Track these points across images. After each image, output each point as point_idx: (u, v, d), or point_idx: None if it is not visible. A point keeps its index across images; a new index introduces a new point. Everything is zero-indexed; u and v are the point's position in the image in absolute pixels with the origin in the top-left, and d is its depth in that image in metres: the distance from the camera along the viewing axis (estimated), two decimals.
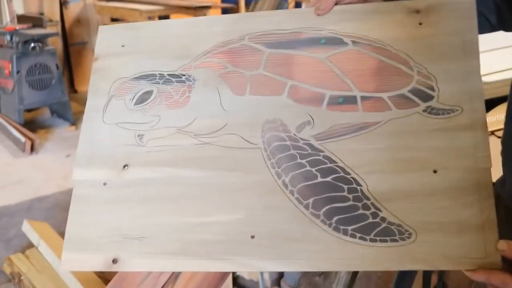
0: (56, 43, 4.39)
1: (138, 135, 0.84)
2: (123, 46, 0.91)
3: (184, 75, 0.86)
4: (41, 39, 3.90)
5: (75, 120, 4.05)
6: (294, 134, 0.79)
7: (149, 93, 0.86)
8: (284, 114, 0.81)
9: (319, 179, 0.76)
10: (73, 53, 4.81)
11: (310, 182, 0.76)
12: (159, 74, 0.87)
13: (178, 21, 0.94)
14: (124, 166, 0.83)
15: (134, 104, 0.85)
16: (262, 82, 0.83)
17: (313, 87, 0.82)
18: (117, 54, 0.91)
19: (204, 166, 0.80)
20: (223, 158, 0.80)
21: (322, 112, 0.80)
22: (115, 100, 0.87)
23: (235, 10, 4.94)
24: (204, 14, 3.70)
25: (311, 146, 0.78)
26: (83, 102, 4.93)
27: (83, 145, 0.85)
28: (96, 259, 0.79)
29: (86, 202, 0.82)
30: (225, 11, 4.83)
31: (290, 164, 0.77)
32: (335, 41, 0.84)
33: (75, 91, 4.84)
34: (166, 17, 4.30)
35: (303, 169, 0.77)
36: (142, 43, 0.91)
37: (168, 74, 0.87)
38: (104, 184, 0.82)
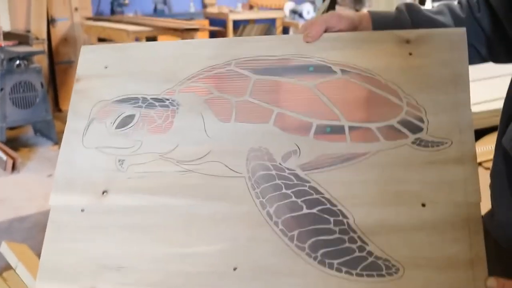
0: (42, 61, 4.34)
1: (119, 160, 0.81)
2: (106, 67, 0.89)
3: (168, 100, 0.84)
4: (27, 57, 3.84)
5: (58, 139, 3.97)
6: (280, 164, 0.77)
7: (131, 117, 0.83)
8: (270, 142, 0.79)
9: (305, 211, 0.74)
10: (58, 72, 4.76)
11: (295, 214, 0.74)
12: (142, 97, 0.85)
13: (163, 44, 0.92)
14: (103, 192, 0.80)
15: (115, 128, 0.83)
16: (248, 109, 0.81)
17: (300, 115, 0.80)
18: (99, 76, 0.89)
19: (186, 194, 0.78)
20: (206, 186, 0.78)
21: (309, 141, 0.78)
22: (95, 123, 0.84)
23: (223, 33, 4.95)
24: (192, 37, 3.69)
25: (297, 176, 0.76)
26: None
27: (61, 169, 0.82)
28: None
29: (63, 229, 0.79)
30: (213, 34, 4.84)
31: (275, 195, 0.75)
32: (323, 69, 0.82)
33: (60, 110, 4.78)
34: (154, 38, 4.29)
35: (288, 200, 0.74)
36: (125, 65, 0.89)
37: (151, 98, 0.84)
38: (82, 210, 0.79)
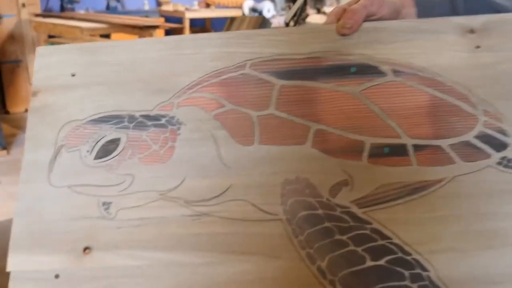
0: None
1: (103, 204, 0.59)
2: (73, 75, 0.67)
3: (164, 117, 0.63)
4: None
5: (6, 144, 3.70)
6: (328, 199, 0.57)
7: (115, 142, 0.61)
8: (311, 170, 0.59)
9: (369, 263, 0.54)
10: (5, 72, 4.45)
11: (357, 268, 0.54)
12: (128, 115, 0.63)
13: (150, 41, 0.70)
14: (85, 249, 0.58)
15: (95, 158, 0.61)
16: (276, 126, 0.61)
17: (347, 132, 0.60)
18: (65, 87, 0.66)
19: (202, 248, 0.57)
20: (229, 235, 0.57)
21: (363, 168, 0.58)
22: (65, 153, 0.62)
23: (180, 31, 4.69)
24: (151, 35, 3.41)
25: (352, 215, 0.56)
26: (15, 124, 4.56)
27: (21, 219, 0.60)
28: None
29: None
30: (169, 32, 4.54)
31: (326, 243, 0.55)
32: (369, 70, 0.63)
33: (7, 112, 4.48)
34: (108, 36, 4.02)
35: (344, 249, 0.55)
36: (100, 71, 0.67)
37: (141, 116, 0.63)
38: (57, 276, 0.57)
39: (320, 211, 0.57)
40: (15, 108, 4.51)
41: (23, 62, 4.47)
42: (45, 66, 0.68)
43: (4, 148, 3.77)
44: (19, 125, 4.31)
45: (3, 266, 0.58)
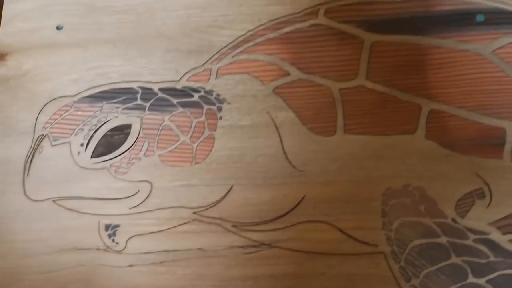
0: None
1: (107, 228, 0.39)
2: (59, 28, 0.46)
3: (198, 91, 0.42)
4: None
5: None
6: (454, 220, 0.37)
7: (123, 129, 0.41)
8: (426, 175, 0.39)
9: None
10: None
11: None
12: (142, 88, 0.42)
13: None
14: None
15: (93, 156, 0.40)
16: (368, 105, 0.40)
17: (478, 114, 0.40)
18: (47, 47, 0.46)
19: None
20: (305, 279, 0.37)
21: (506, 170, 0.38)
22: (48, 148, 0.41)
23: None
24: None
25: (492, 246, 0.37)
26: None
27: None
28: None
29: None
30: None
31: None
32: (503, 18, 0.42)
33: None
34: None
35: None
36: (101, 23, 0.46)
37: (162, 89, 0.42)
38: None
39: (443, 239, 0.36)
40: None
41: None
42: (18, 15, 0.47)
43: None
44: None
45: None
